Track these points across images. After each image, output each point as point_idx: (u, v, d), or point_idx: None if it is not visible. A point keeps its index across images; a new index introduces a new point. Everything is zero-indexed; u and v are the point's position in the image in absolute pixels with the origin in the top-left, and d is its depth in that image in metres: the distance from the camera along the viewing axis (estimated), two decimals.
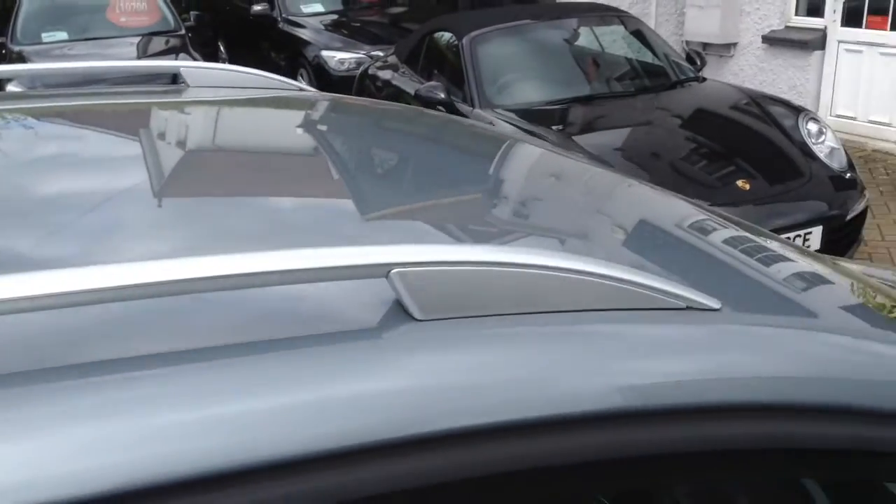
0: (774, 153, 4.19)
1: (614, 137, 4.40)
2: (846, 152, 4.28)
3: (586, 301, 0.67)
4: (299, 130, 1.42)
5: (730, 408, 0.65)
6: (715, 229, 1.08)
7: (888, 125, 6.33)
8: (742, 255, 1.00)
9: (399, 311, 0.67)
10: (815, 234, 3.80)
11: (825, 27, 6.62)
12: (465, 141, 1.51)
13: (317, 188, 1.11)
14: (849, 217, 3.93)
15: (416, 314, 0.66)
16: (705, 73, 7.60)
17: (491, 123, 4.46)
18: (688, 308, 0.70)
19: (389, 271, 0.64)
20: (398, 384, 0.63)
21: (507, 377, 0.64)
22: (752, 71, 7.22)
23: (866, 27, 6.39)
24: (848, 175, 4.12)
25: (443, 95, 4.63)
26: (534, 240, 0.99)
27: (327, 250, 0.64)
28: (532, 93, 4.74)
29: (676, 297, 0.70)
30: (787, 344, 0.73)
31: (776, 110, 4.45)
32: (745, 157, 4.14)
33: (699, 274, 0.90)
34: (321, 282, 0.67)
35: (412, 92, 4.95)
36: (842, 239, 3.94)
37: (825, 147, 4.24)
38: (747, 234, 1.10)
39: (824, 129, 4.34)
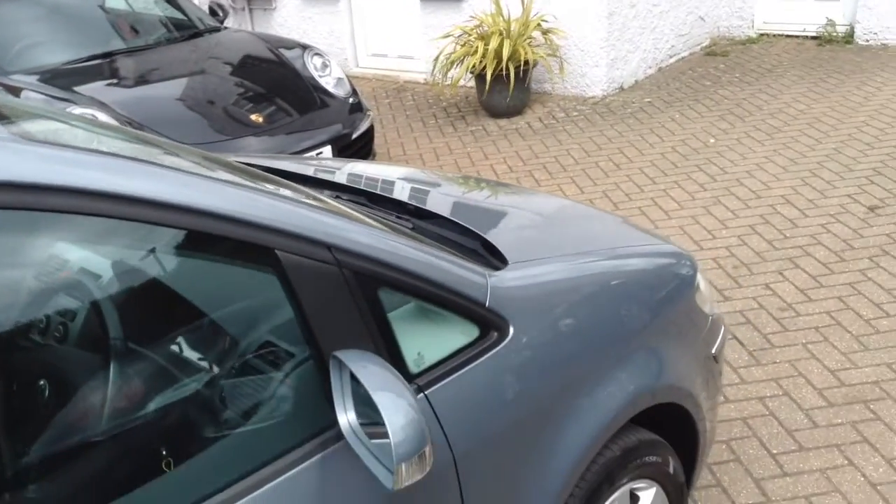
0: (290, 88, 4.67)
1: (140, 88, 4.56)
2: (349, 80, 4.90)
3: None
4: None
5: None
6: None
7: (412, 58, 7.25)
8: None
9: None
10: (327, 152, 4.35)
11: None
12: None
13: None
14: (355, 135, 4.55)
15: None
16: (256, 27, 8.02)
17: (13, 91, 4.35)
18: None
19: None
20: None
21: None
22: (295, 21, 7.75)
23: None
24: (352, 100, 4.74)
25: None
26: None
27: None
28: (49, 54, 4.67)
29: None
30: None
31: (287, 52, 4.93)
32: (267, 94, 4.56)
33: None
34: None
35: None
36: (353, 154, 4.54)
37: (331, 79, 4.82)
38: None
39: (328, 63, 4.91)
